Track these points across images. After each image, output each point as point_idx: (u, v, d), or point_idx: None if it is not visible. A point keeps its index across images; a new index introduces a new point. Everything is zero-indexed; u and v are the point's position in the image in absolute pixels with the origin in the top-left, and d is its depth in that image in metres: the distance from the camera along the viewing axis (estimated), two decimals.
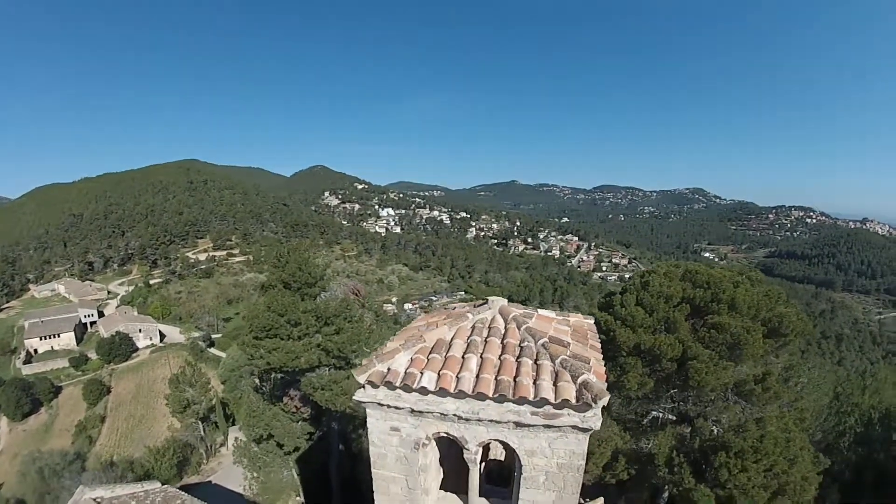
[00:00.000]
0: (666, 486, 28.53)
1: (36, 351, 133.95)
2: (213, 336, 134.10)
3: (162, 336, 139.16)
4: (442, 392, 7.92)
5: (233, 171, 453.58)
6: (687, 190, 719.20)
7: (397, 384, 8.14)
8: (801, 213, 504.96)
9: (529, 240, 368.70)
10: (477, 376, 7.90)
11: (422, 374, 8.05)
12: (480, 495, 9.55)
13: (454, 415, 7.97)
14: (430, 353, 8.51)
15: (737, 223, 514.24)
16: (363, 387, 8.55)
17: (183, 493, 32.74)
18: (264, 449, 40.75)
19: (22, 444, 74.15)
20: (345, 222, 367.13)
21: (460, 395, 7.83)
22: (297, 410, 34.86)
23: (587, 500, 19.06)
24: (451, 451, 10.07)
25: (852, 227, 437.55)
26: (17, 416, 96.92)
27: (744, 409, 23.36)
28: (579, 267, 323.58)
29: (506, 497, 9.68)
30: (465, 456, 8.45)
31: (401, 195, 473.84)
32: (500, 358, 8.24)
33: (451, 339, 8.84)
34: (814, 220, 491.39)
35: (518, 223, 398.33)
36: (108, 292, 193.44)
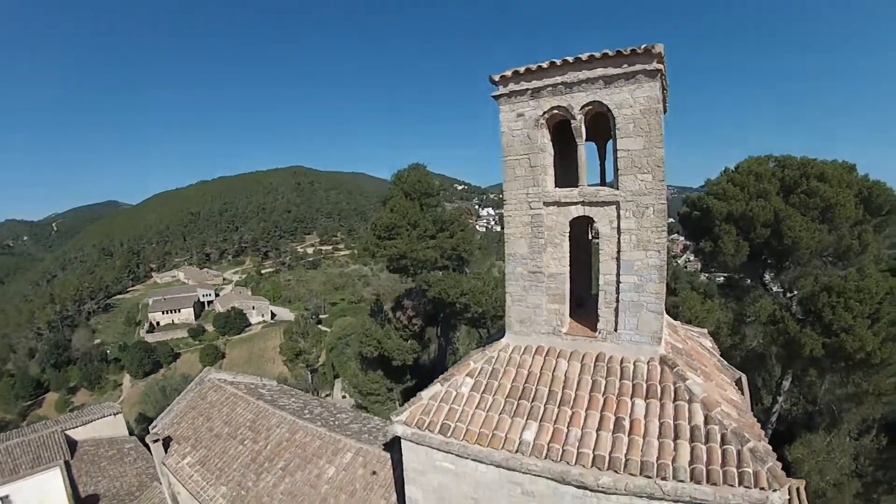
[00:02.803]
0: (779, 398, 28.60)
1: (158, 323, 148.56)
2: (321, 316, 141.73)
3: (273, 315, 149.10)
4: (552, 67, 10.57)
5: (336, 176, 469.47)
6: None
7: (522, 72, 10.88)
8: None
9: None
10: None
11: (539, 64, 10.75)
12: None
13: (562, 84, 10.61)
14: None
15: None
16: (497, 88, 11.39)
17: (296, 389, 36.24)
18: (371, 378, 44.21)
19: (141, 396, 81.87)
20: None
21: (564, 65, 10.45)
22: (410, 322, 37.91)
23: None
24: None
25: None
26: (139, 373, 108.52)
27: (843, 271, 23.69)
28: (685, 267, 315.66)
29: None
30: (572, 126, 10.94)
31: (501, 196, 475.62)
32: None
33: None
34: None
35: None
36: (224, 279, 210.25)
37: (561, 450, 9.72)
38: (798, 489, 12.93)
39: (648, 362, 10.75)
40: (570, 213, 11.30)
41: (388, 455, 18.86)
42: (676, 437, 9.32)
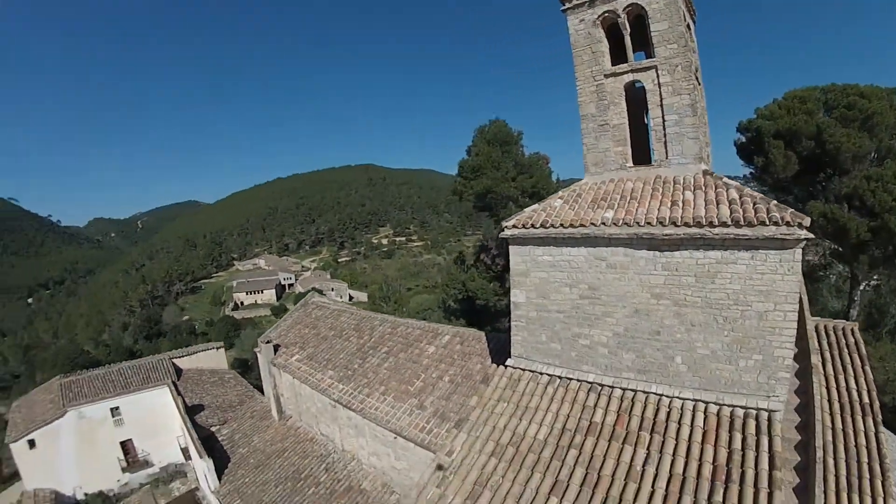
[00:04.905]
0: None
1: (242, 303, 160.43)
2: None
3: (350, 297, 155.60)
4: None
5: (407, 172, 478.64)
6: None
7: None
8: None
9: None
10: None
11: None
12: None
13: None
14: None
15: None
16: (564, 4, 16.31)
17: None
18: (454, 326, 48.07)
19: (238, 343, 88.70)
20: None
21: None
22: (493, 263, 41.96)
23: None
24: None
25: None
26: (226, 345, 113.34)
27: None
28: None
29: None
30: (619, 23, 15.57)
31: None
32: None
33: None
34: None
35: None
36: (302, 266, 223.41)
37: (633, 220, 13.27)
38: (853, 329, 15.92)
39: (695, 176, 14.20)
40: (624, 79, 15.92)
41: (483, 334, 22.51)
42: (719, 204, 12.60)
